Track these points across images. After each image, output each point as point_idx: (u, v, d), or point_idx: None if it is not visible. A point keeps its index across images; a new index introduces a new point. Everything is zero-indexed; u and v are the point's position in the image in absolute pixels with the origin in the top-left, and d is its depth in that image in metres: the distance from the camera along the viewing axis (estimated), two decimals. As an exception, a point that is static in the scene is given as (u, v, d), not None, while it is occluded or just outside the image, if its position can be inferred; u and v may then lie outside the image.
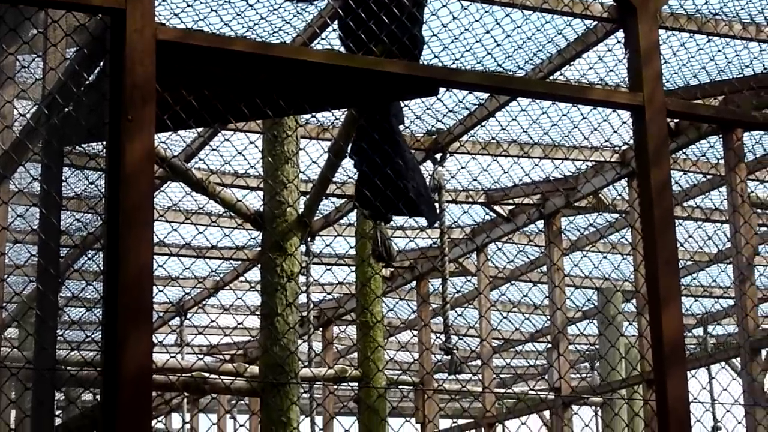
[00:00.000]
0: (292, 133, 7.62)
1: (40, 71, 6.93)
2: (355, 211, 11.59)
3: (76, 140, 5.93)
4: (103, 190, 5.07)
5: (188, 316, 15.48)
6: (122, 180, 4.86)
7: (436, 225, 9.95)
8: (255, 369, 9.15)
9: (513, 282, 14.99)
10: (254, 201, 10.85)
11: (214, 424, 17.09)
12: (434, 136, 10.75)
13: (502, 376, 20.44)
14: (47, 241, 5.84)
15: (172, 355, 8.07)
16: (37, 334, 5.81)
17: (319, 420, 16.03)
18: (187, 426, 17.62)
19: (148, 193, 4.89)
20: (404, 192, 6.35)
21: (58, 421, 5.93)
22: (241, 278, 14.67)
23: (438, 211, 7.17)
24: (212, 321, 6.50)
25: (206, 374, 8.05)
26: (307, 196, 7.96)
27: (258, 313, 14.36)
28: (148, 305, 4.78)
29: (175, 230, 5.51)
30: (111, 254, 4.83)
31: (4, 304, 7.06)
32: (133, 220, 4.83)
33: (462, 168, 8.61)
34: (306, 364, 10.97)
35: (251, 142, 6.68)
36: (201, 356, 13.73)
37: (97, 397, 4.92)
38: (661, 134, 5.76)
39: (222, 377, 8.25)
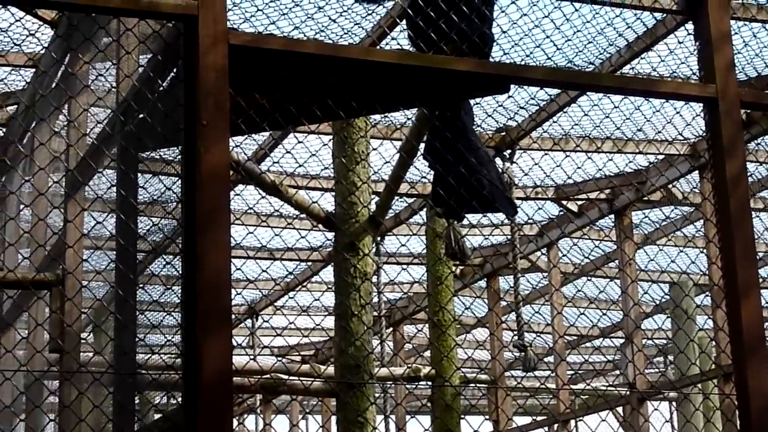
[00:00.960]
0: (362, 133, 7.64)
1: (113, 78, 7.01)
2: (426, 209, 11.60)
3: (151, 146, 5.99)
4: (179, 195, 5.12)
5: (262, 317, 15.56)
6: (198, 185, 4.89)
7: (508, 220, 9.94)
8: (330, 370, 9.20)
9: (589, 278, 14.93)
10: (326, 202, 10.90)
11: (294, 425, 17.16)
12: (503, 133, 10.74)
13: (576, 372, 20.36)
14: (125, 247, 5.90)
15: (251, 357, 8.09)
16: (117, 338, 5.88)
17: (392, 419, 16.05)
18: (262, 427, 17.72)
19: (224, 197, 4.93)
20: (478, 190, 6.35)
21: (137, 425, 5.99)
22: (314, 279, 14.73)
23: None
24: (290, 323, 6.53)
25: (283, 375, 8.10)
26: (379, 196, 7.97)
27: (330, 313, 14.41)
28: (226, 308, 4.82)
29: (252, 233, 5.56)
30: (189, 259, 4.87)
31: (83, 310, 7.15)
32: (209, 224, 4.86)
33: (535, 164, 8.57)
34: (381, 363, 11.00)
35: (324, 144, 6.71)
36: (280, 359, 13.79)
37: (178, 400, 4.98)
38: (735, 125, 5.71)
39: (299, 378, 8.29)
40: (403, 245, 11.46)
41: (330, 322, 15.48)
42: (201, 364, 4.68)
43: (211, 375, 4.70)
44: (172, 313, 5.69)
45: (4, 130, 10.16)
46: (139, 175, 6.22)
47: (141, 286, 5.88)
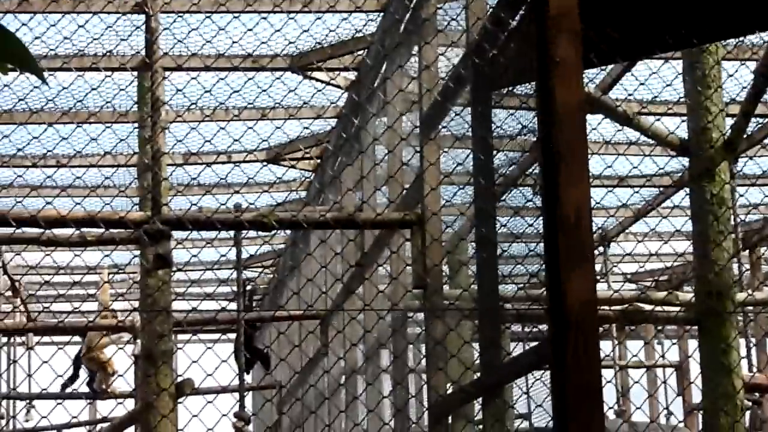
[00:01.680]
0: (715, 58, 7.48)
1: (460, 19, 7.13)
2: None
3: (503, 83, 6.09)
4: (535, 131, 5.19)
5: (617, 243, 15.55)
6: (554, 121, 4.94)
7: None
8: (686, 296, 9.10)
9: None
10: (675, 127, 10.72)
11: (662, 356, 17.07)
12: None
13: None
14: (483, 183, 6.04)
15: (615, 289, 8.09)
16: (480, 273, 6.03)
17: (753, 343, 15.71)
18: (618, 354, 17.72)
19: (581, 133, 4.96)
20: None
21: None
22: (666, 204, 14.56)
23: None
24: (660, 247, 6.51)
25: (641, 304, 8.09)
26: (734, 119, 7.79)
27: (685, 237, 14.19)
28: (588, 241, 4.87)
29: (609, 167, 5.61)
30: (548, 193, 4.93)
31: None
32: (567, 159, 4.91)
33: None
34: (740, 288, 10.80)
35: (678, 74, 6.61)
36: (637, 286, 13.73)
37: (543, 332, 5.08)
38: None
39: (658, 307, 8.25)
40: (763, 173, 11.09)
41: (683, 245, 15.29)
42: (565, 297, 4.75)
43: (576, 307, 4.76)
44: (533, 246, 5.79)
45: (358, 73, 10.50)
46: (493, 111, 6.34)
47: (501, 222, 6.01)
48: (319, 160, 12.87)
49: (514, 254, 6.07)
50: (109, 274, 14.86)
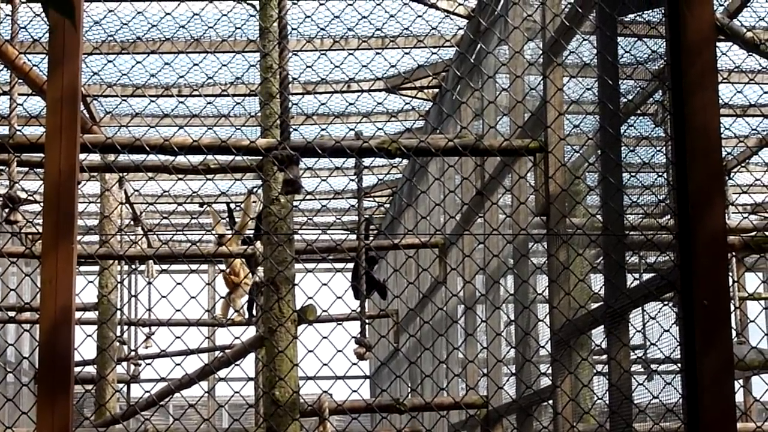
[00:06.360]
0: None
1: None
2: None
3: (632, 9, 6.03)
4: (664, 58, 5.16)
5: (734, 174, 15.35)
6: (684, 48, 4.92)
7: None
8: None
9: None
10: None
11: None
12: None
13: None
14: (609, 109, 6.01)
15: (738, 220, 8.04)
16: (605, 199, 6.03)
17: None
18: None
19: (710, 59, 4.93)
20: None
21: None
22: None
23: None
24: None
25: None
26: None
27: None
28: (718, 168, 4.87)
29: (739, 92, 5.59)
30: (677, 119, 4.93)
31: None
32: (697, 85, 4.90)
33: None
34: None
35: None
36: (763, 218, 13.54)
37: (671, 259, 5.08)
38: None
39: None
40: None
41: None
42: (695, 223, 4.75)
43: (705, 234, 4.76)
44: (659, 173, 5.77)
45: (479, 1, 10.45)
46: (620, 38, 6.30)
47: (629, 148, 5.99)
48: (437, 90, 12.87)
49: (639, 183, 6.05)
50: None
